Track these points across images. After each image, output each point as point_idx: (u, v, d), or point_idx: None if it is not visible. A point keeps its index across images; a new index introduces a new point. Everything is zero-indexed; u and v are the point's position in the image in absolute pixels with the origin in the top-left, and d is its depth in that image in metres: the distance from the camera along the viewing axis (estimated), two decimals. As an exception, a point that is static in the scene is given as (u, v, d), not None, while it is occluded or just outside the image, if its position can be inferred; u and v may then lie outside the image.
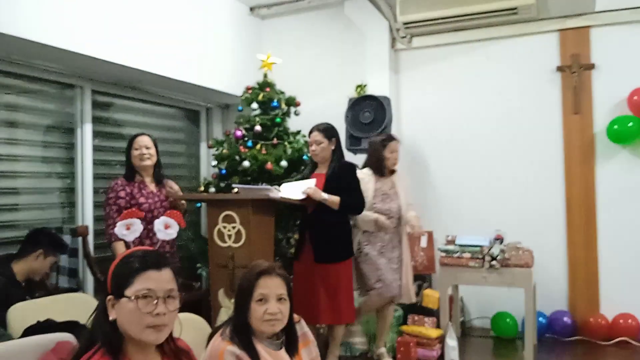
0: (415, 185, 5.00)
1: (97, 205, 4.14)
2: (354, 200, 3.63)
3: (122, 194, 3.38)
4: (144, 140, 3.52)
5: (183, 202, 3.67)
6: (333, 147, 3.68)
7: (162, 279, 1.41)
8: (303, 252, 3.64)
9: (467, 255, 4.07)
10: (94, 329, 1.41)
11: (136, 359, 1.40)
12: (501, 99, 4.80)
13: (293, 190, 3.54)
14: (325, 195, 3.51)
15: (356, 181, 3.70)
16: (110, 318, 1.39)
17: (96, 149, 4.18)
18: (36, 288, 3.12)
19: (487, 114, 4.83)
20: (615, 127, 4.33)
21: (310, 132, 3.73)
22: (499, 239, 4.19)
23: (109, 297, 1.40)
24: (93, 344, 1.38)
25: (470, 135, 4.87)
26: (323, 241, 3.57)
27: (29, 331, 2.18)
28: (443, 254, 4.17)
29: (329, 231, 3.59)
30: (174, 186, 3.67)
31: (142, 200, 3.41)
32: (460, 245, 4.13)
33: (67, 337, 1.68)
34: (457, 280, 4.19)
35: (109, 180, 4.21)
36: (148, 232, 3.30)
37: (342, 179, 3.61)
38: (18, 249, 2.99)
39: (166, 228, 3.10)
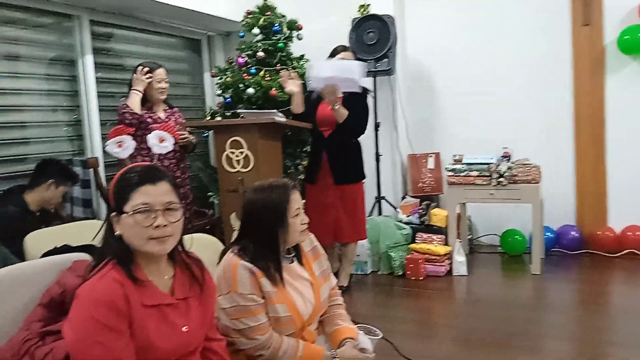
0: (422, 108, 4.96)
1: (104, 137, 4.15)
2: (356, 121, 3.63)
3: (127, 116, 3.39)
4: (163, 73, 3.54)
5: (192, 137, 3.68)
6: None
7: (158, 192, 1.43)
8: (319, 175, 3.70)
9: (475, 173, 4.09)
10: (104, 245, 1.46)
11: (148, 269, 1.46)
12: (508, 13, 4.64)
13: (324, 68, 3.44)
14: (337, 106, 3.52)
15: (364, 105, 3.69)
16: (116, 233, 1.43)
17: (99, 80, 4.15)
18: (52, 219, 3.20)
19: (493, 29, 4.69)
20: (626, 37, 4.20)
21: (340, 51, 3.70)
22: (507, 156, 4.20)
23: (112, 213, 1.44)
24: (104, 258, 1.44)
25: (476, 52, 4.76)
26: (342, 163, 3.68)
27: (47, 255, 2.25)
28: (450, 174, 4.19)
29: (347, 154, 3.70)
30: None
31: (151, 124, 3.43)
32: (468, 164, 4.14)
33: (83, 256, 1.73)
34: (464, 198, 4.23)
35: (113, 113, 4.22)
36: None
37: (352, 100, 3.59)
38: (29, 180, 3.04)
39: (161, 142, 3.14)
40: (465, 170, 4.13)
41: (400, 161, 4.93)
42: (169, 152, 3.40)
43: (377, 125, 4.55)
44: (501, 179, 3.98)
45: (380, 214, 4.61)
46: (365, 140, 3.98)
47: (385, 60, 4.40)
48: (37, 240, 2.48)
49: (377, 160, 4.59)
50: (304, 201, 1.96)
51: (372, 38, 4.39)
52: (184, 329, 1.46)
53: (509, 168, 3.99)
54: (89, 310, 1.33)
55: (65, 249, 2.28)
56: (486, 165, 4.06)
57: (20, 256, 2.46)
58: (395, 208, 4.63)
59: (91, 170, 3.66)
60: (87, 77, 4.04)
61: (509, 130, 4.60)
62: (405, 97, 4.85)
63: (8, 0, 3.48)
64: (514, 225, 4.61)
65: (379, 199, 4.64)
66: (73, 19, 3.97)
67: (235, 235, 3.42)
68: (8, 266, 1.98)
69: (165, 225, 1.41)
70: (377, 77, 4.54)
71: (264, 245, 1.84)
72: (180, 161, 3.61)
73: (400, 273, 4.13)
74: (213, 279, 1.67)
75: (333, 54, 3.76)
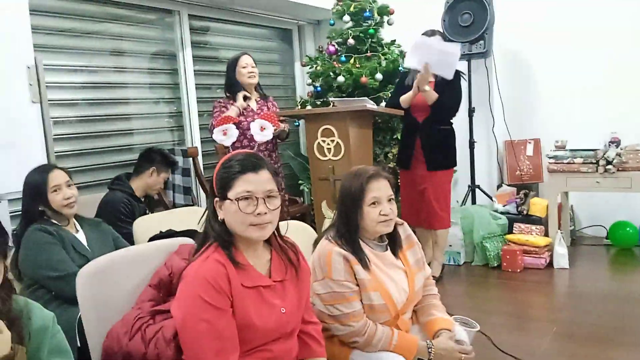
0: (520, 91, 4.71)
1: (202, 128, 4.35)
2: (449, 101, 3.56)
3: (223, 110, 3.53)
4: (249, 59, 3.66)
5: (286, 125, 3.75)
6: None
7: (260, 180, 1.46)
8: (412, 161, 3.68)
9: (579, 160, 3.84)
10: (207, 228, 1.52)
11: (247, 252, 1.51)
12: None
13: (426, 50, 3.39)
14: (427, 87, 3.48)
15: (457, 86, 3.60)
16: (220, 218, 1.48)
17: (196, 73, 4.33)
18: (155, 205, 3.40)
19: (597, 6, 4.34)
20: None
21: (430, 36, 3.58)
22: (615, 142, 3.89)
23: (215, 199, 1.49)
24: (207, 240, 1.50)
25: (579, 31, 4.42)
26: (434, 149, 3.63)
27: (154, 239, 2.40)
28: (552, 160, 3.96)
29: (440, 139, 3.64)
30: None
31: (242, 118, 3.54)
32: (572, 150, 3.90)
33: (187, 240, 1.82)
34: (567, 187, 3.98)
35: (211, 104, 4.40)
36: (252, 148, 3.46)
37: (445, 80, 3.50)
38: (134, 168, 3.24)
39: (262, 130, 3.24)
40: (568, 157, 3.88)
41: (496, 148, 4.72)
42: (262, 142, 3.50)
43: (471, 111, 4.39)
44: (609, 167, 3.70)
45: (474, 203, 4.45)
46: (459, 126, 3.86)
47: (481, 42, 4.22)
48: (145, 225, 2.65)
49: (472, 147, 4.43)
50: (388, 192, 1.87)
51: (467, 20, 4.23)
52: (282, 310, 1.50)
53: (618, 154, 3.70)
54: (194, 290, 1.39)
55: (170, 233, 2.42)
56: (593, 152, 3.79)
57: (129, 239, 2.64)
58: (490, 197, 4.46)
59: (191, 159, 3.84)
60: (187, 70, 4.23)
61: (617, 113, 4.25)
62: (502, 80, 4.63)
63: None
64: (622, 216, 4.27)
65: (472, 187, 4.49)
66: (174, 14, 4.17)
67: (326, 223, 3.49)
68: (120, 249, 2.14)
69: (265, 213, 1.45)
70: (472, 60, 4.37)
71: (350, 232, 1.85)
72: (272, 151, 3.70)
73: (495, 264, 3.98)
74: (308, 264, 1.70)
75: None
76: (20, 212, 2.35)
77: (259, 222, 1.45)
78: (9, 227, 2.60)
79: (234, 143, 3.40)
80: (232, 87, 3.67)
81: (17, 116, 2.74)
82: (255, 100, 3.71)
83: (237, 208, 1.43)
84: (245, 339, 1.44)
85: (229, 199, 1.45)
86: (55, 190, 2.30)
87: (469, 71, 4.37)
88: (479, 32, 4.16)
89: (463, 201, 4.50)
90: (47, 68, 3.11)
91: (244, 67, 3.63)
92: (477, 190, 4.49)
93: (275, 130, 3.56)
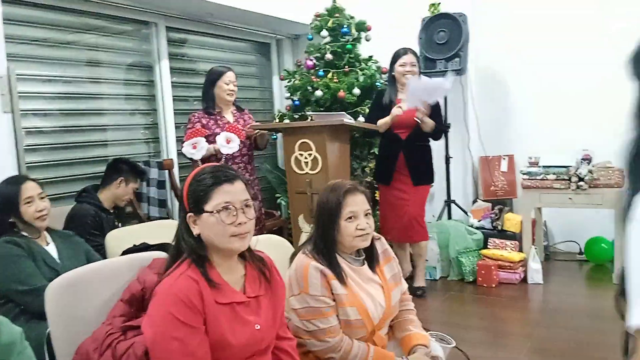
0: (494, 108, 4.79)
1: (179, 140, 4.30)
2: (442, 126, 3.79)
3: (198, 125, 3.49)
4: (232, 76, 3.61)
5: (266, 133, 3.74)
6: (419, 72, 3.74)
7: (236, 191, 1.46)
8: (394, 177, 3.72)
9: (552, 177, 3.91)
10: (179, 244, 1.49)
11: (221, 268, 1.48)
12: (583, 11, 4.39)
13: (421, 92, 3.51)
14: (425, 119, 3.61)
15: (439, 107, 3.74)
16: (195, 233, 1.46)
17: (173, 85, 4.30)
18: (129, 218, 3.34)
19: (569, 25, 4.45)
20: None
21: (402, 55, 3.68)
22: (587, 159, 3.98)
23: (189, 214, 1.47)
24: (179, 256, 1.48)
25: (552, 50, 4.53)
26: (419, 165, 3.73)
27: (127, 253, 2.35)
28: (525, 177, 4.03)
29: (424, 156, 3.76)
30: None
31: (217, 130, 3.51)
32: (545, 167, 3.97)
33: (161, 254, 1.79)
34: (540, 203, 4.05)
35: (187, 116, 4.37)
36: (227, 161, 3.43)
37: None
38: (101, 179, 3.18)
39: (228, 142, 3.25)
40: (541, 174, 3.95)
41: (472, 163, 4.79)
42: (237, 154, 3.48)
43: (447, 127, 4.44)
44: (581, 183, 3.78)
45: (449, 218, 4.49)
46: (436, 142, 3.90)
47: (457, 59, 4.29)
48: (118, 238, 2.59)
49: (447, 162, 4.48)
50: (365, 207, 1.87)
51: (443, 37, 4.29)
52: (256, 326, 1.48)
53: (590, 171, 3.78)
54: (166, 307, 1.36)
55: (144, 247, 2.37)
56: (565, 169, 3.86)
57: (101, 252, 2.58)
58: (465, 212, 4.50)
59: (166, 171, 3.80)
60: (164, 82, 4.20)
61: (588, 131, 4.33)
62: (477, 97, 4.71)
63: (90, 9, 3.67)
64: (595, 232, 4.35)
65: (448, 202, 4.53)
66: (150, 25, 4.14)
67: (303, 237, 3.48)
68: (91, 263, 2.09)
69: (245, 222, 1.44)
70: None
71: (327, 246, 1.84)
72: (248, 163, 3.68)
73: (471, 279, 4.01)
74: (283, 278, 1.68)
75: (395, 58, 3.73)
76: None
77: (240, 232, 1.44)
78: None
79: (208, 157, 3.38)
80: (208, 101, 3.61)
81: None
82: (232, 112, 3.69)
83: (217, 220, 1.41)
84: (219, 357, 1.41)
85: (207, 211, 1.43)
86: (27, 202, 2.25)
87: (445, 88, 4.43)
88: (454, 49, 4.23)
89: (439, 216, 4.53)
90: (20, 78, 3.05)
91: (226, 84, 3.56)
92: (452, 205, 4.53)
93: (255, 135, 3.56)
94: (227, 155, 3.39)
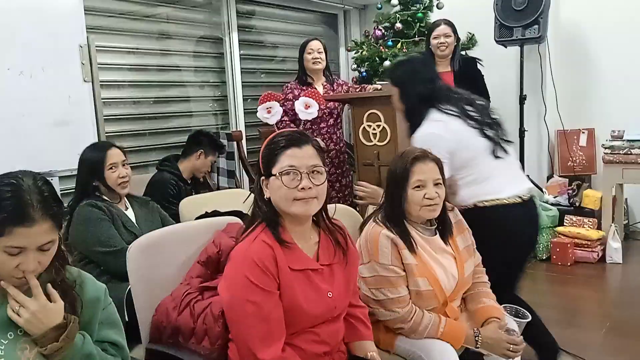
0: (575, 79, 4.52)
1: (247, 112, 4.36)
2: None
3: (290, 96, 3.52)
4: (316, 45, 3.62)
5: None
6: (456, 43, 3.55)
7: (304, 155, 1.44)
8: None
9: (637, 151, 3.66)
10: (254, 209, 1.51)
11: (294, 233, 1.48)
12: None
13: None
14: None
15: (483, 78, 3.56)
16: (265, 197, 1.47)
17: (242, 57, 4.33)
18: (201, 187, 3.43)
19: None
20: None
21: (435, 27, 3.55)
22: (678, 132, 3.69)
23: (262, 177, 1.48)
24: (255, 221, 1.49)
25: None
26: None
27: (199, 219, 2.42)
28: (607, 151, 3.79)
29: None
30: None
31: None
32: (629, 141, 3.72)
33: (236, 219, 1.82)
34: (623, 179, 3.80)
35: (255, 88, 4.41)
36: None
37: (470, 76, 3.45)
38: (182, 150, 3.27)
39: (306, 108, 3.20)
40: (625, 148, 3.71)
41: (548, 137, 4.55)
42: (322, 122, 3.51)
43: (522, 99, 4.24)
44: (670, 158, 3.52)
45: (522, 193, 4.31)
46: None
47: (535, 27, 4.04)
48: (190, 205, 2.66)
49: (522, 136, 4.28)
50: (435, 176, 1.80)
51: (521, 3, 4.05)
52: (328, 294, 1.47)
53: (681, 145, 3.51)
54: (241, 271, 1.38)
55: (215, 214, 2.43)
56: (653, 142, 3.61)
57: (175, 219, 2.66)
58: (540, 188, 4.31)
59: (235, 143, 3.86)
60: (233, 54, 4.24)
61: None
62: (556, 67, 4.44)
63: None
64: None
65: (521, 177, 4.34)
66: (221, -3, 4.18)
67: (369, 210, 3.44)
68: (168, 226, 2.16)
69: (310, 188, 1.42)
70: (525, 46, 4.21)
71: (397, 215, 1.80)
72: (334, 133, 3.68)
73: (544, 257, 3.85)
74: (356, 247, 1.67)
75: (430, 31, 3.59)
76: (73, 189, 2.41)
77: (304, 196, 1.42)
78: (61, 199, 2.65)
79: (285, 122, 3.40)
80: (299, 72, 3.66)
81: (70, 95, 2.80)
82: (322, 84, 3.67)
83: (281, 183, 1.41)
84: (292, 322, 1.42)
85: (273, 174, 1.43)
86: (111, 168, 2.34)
87: (521, 57, 4.22)
88: (533, 16, 3.99)
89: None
90: (98, 49, 3.16)
91: (309, 53, 3.60)
92: (525, 180, 4.34)
93: (329, 109, 3.53)
94: (306, 121, 3.39)
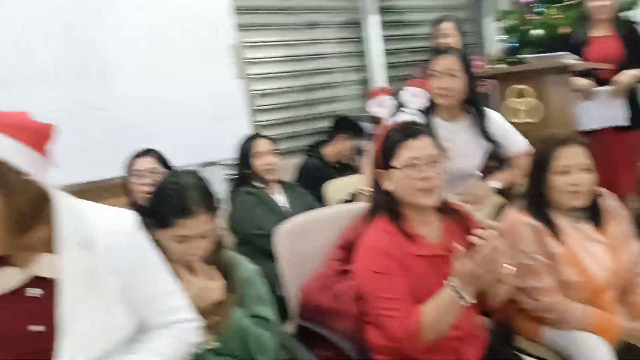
0: None
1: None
2: None
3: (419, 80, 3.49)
4: (446, 27, 3.48)
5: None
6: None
7: (422, 146, 1.47)
8: None
9: None
10: (375, 199, 1.57)
11: (417, 222, 1.52)
12: None
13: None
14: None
15: None
16: (386, 188, 1.51)
17: (385, 38, 4.35)
18: (346, 170, 3.56)
19: None
20: None
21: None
22: None
23: (380, 170, 1.53)
24: (376, 211, 1.55)
25: None
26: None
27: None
28: None
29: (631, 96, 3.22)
30: None
31: None
32: None
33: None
34: None
35: (399, 69, 4.42)
36: None
37: (635, 40, 3.09)
38: (326, 135, 3.43)
39: (414, 97, 3.09)
40: None
41: None
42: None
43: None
44: None
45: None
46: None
47: None
48: (334, 188, 2.80)
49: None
50: (582, 161, 1.68)
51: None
52: None
53: None
54: (366, 263, 1.47)
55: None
56: None
57: (320, 201, 2.82)
58: None
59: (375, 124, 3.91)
60: (373, 37, 4.28)
61: None
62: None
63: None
64: None
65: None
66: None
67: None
68: (311, 210, 2.30)
69: (431, 177, 1.45)
70: None
71: (540, 201, 1.72)
72: None
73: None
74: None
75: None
76: (230, 175, 2.67)
77: (427, 186, 1.45)
78: (222, 188, 2.95)
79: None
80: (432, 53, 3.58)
81: (224, 91, 3.08)
82: None
83: (404, 175, 1.45)
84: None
85: (394, 167, 1.47)
86: (257, 157, 2.56)
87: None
88: None
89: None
90: (247, 45, 3.41)
91: (435, 37, 3.49)
92: None
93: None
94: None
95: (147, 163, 2.20)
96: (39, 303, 1.05)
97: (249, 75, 3.23)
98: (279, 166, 2.63)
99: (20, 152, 1.00)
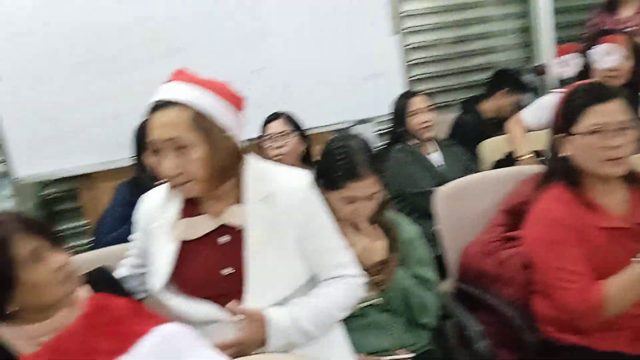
0: None
1: (560, 41, 4.01)
2: None
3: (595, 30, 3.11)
4: None
5: None
6: None
7: (611, 111, 1.33)
8: None
9: None
10: (550, 166, 1.47)
11: (597, 191, 1.40)
12: None
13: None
14: None
15: None
16: (564, 154, 1.40)
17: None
18: (502, 126, 3.38)
19: None
20: None
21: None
22: None
23: (559, 134, 1.41)
24: (552, 177, 1.45)
25: None
26: None
27: (498, 164, 2.44)
28: None
29: None
30: None
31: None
32: None
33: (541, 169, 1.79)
34: None
35: (569, 14, 4.01)
36: None
37: None
38: (486, 89, 3.25)
39: (607, 55, 2.67)
40: None
41: None
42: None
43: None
44: None
45: None
46: None
47: None
48: (489, 147, 2.67)
49: None
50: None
51: None
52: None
53: None
54: (543, 231, 1.40)
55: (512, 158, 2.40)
56: None
57: (475, 160, 2.72)
58: None
59: (542, 77, 3.63)
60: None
61: None
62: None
63: None
64: None
65: None
66: None
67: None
68: (468, 171, 2.25)
69: (620, 146, 1.32)
70: None
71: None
72: None
73: None
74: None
75: None
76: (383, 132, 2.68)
77: (614, 155, 1.32)
78: (375, 144, 2.98)
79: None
80: None
81: (380, 48, 3.05)
82: (636, 10, 3.03)
83: (588, 142, 1.33)
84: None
85: (577, 133, 1.35)
86: (412, 115, 2.54)
87: None
88: None
89: None
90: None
91: None
92: None
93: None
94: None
95: (277, 126, 2.29)
96: (228, 248, 1.19)
97: (403, 29, 3.16)
98: (434, 123, 2.59)
99: (224, 110, 1.13)
